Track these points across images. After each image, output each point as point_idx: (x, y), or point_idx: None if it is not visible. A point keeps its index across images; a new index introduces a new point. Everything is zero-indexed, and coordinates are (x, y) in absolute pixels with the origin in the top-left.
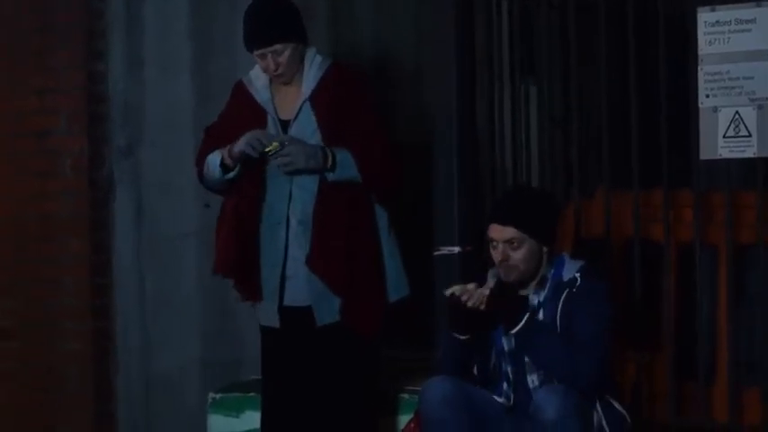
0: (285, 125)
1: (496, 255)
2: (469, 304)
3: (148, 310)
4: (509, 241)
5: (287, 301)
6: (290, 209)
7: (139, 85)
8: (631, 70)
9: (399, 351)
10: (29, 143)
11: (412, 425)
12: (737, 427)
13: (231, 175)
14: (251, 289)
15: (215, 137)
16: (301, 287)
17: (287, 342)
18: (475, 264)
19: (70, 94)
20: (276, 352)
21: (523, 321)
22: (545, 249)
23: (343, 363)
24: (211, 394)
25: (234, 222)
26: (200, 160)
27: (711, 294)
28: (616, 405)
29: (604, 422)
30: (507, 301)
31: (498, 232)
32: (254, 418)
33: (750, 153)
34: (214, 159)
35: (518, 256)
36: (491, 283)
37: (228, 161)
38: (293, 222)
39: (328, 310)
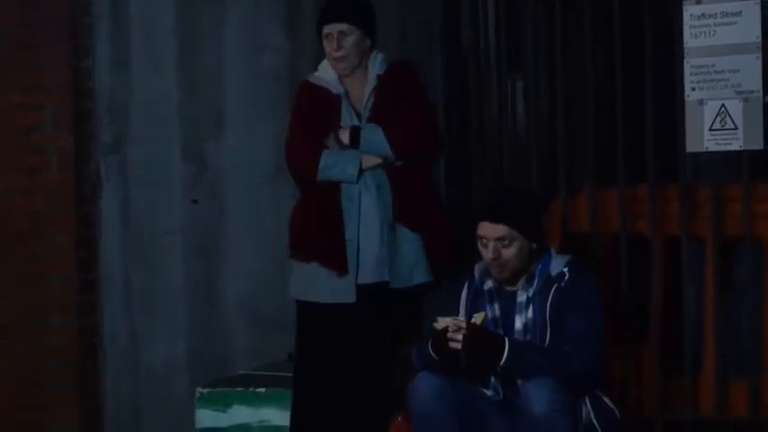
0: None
1: (487, 253)
2: (450, 336)
3: (135, 305)
4: (500, 239)
5: (360, 280)
6: (362, 185)
7: (125, 82)
8: (618, 65)
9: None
10: (14, 140)
11: (400, 419)
12: (724, 420)
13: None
14: (338, 261)
15: (304, 124)
16: (370, 265)
17: (348, 318)
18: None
19: (56, 91)
20: (337, 328)
21: (503, 359)
22: (534, 246)
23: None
24: (199, 389)
25: (318, 200)
26: (301, 149)
27: (698, 288)
28: (605, 399)
29: (593, 416)
30: (483, 341)
31: (489, 230)
32: (241, 412)
33: (736, 146)
34: (352, 167)
35: (509, 253)
36: (477, 318)
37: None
38: (366, 198)
39: (399, 277)
